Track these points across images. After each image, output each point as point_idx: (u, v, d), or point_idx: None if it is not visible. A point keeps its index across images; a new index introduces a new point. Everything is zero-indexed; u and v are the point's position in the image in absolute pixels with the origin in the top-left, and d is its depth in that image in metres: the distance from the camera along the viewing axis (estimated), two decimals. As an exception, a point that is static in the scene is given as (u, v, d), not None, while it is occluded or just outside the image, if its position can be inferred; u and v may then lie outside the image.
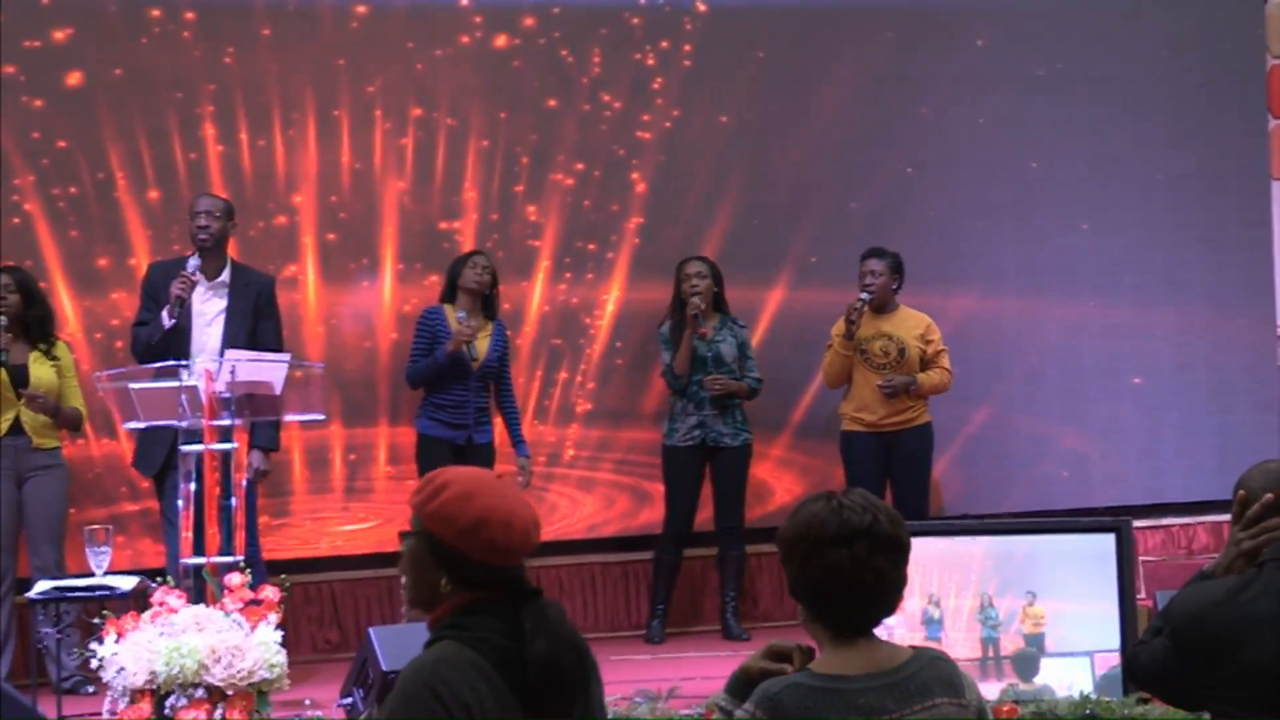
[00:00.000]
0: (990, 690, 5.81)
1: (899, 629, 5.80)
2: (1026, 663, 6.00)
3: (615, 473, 8.57)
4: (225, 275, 7.14)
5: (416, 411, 7.82)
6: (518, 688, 2.82)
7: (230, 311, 7.08)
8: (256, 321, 7.12)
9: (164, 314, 6.92)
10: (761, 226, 8.63)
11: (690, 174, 8.58)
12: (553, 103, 8.42)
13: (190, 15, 7.92)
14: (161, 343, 6.89)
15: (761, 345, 8.50)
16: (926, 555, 5.95)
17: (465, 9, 8.30)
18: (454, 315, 7.70)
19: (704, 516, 8.23)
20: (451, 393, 7.71)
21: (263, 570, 7.00)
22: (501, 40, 8.34)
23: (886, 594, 2.87)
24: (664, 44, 8.53)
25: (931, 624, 6.02)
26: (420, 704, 2.76)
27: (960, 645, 5.95)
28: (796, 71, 8.71)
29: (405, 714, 2.78)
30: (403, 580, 3.00)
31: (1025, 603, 6.03)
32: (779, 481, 8.70)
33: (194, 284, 6.92)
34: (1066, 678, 5.90)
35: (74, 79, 7.79)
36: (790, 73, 8.71)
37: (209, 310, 7.08)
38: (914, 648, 2.93)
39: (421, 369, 7.70)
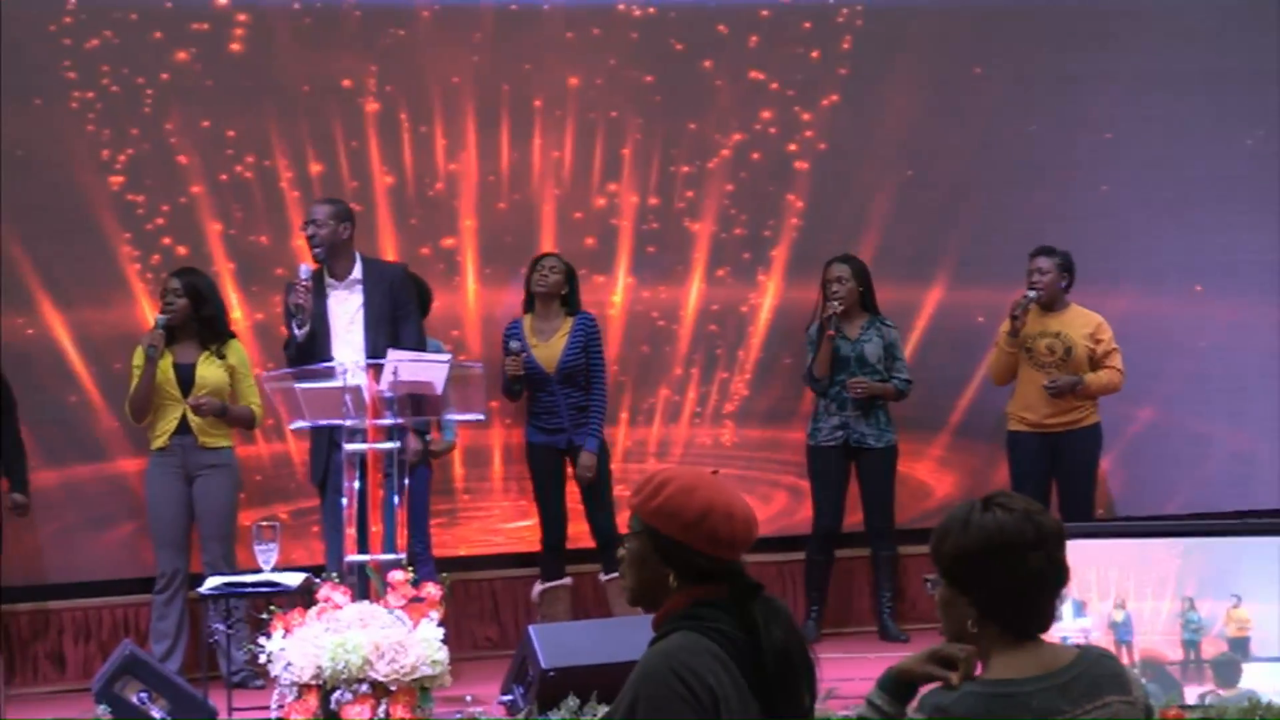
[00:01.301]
0: (1190, 694, 5.72)
1: (1094, 632, 5.72)
2: (1228, 668, 5.85)
3: (773, 472, 8.57)
4: (356, 272, 7.08)
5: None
6: (751, 681, 2.86)
7: (367, 307, 7.05)
8: (395, 312, 7.08)
9: (293, 325, 6.93)
10: (919, 225, 8.57)
11: (848, 173, 8.55)
12: (710, 103, 8.44)
13: (357, 14, 8.08)
14: (308, 345, 6.89)
15: (919, 344, 8.45)
16: (1116, 557, 5.85)
17: (637, 18, 8.37)
18: (529, 329, 7.78)
19: (857, 518, 8.21)
20: (541, 400, 7.79)
21: (432, 568, 7.10)
22: (659, 39, 8.38)
23: (1062, 591, 2.88)
24: (820, 47, 8.52)
25: (1118, 626, 5.92)
26: (666, 689, 2.79)
27: (1158, 648, 5.84)
28: (953, 70, 8.65)
29: (650, 700, 2.81)
30: (623, 581, 3.05)
31: (1230, 605, 5.88)
32: (938, 481, 8.65)
33: (307, 290, 6.86)
34: (1273, 683, 5.75)
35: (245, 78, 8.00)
36: (947, 71, 8.65)
37: (347, 309, 7.07)
38: (1078, 646, 2.92)
39: (502, 386, 7.76)
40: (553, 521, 7.85)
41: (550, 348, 7.76)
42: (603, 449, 7.85)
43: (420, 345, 7.03)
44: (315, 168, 8.04)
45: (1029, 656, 2.83)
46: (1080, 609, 5.80)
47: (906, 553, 8.24)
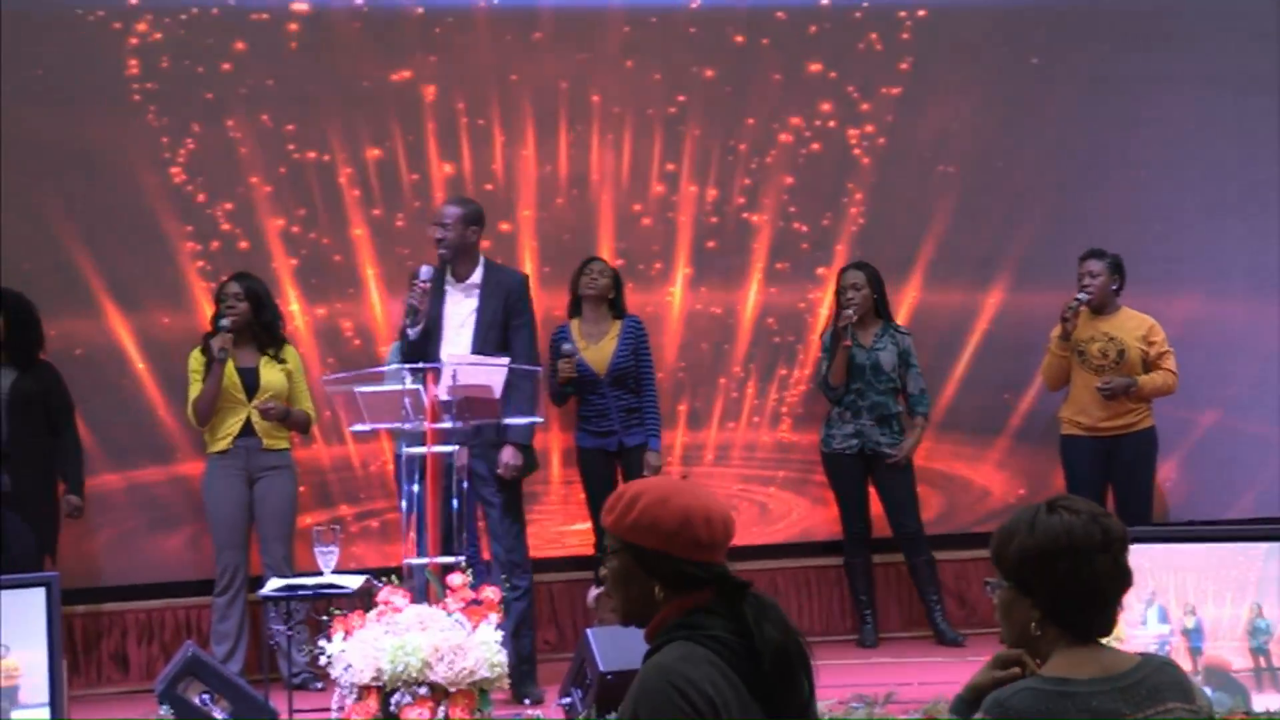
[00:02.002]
0: (1260, 703, 5.66)
1: (1173, 638, 5.67)
2: (1296, 675, 5.80)
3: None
4: (477, 276, 7.07)
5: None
6: (749, 681, 2.85)
7: (481, 312, 7.05)
8: (509, 320, 7.07)
9: (407, 325, 6.93)
10: (979, 229, 8.54)
11: (906, 178, 8.52)
12: (769, 107, 8.43)
13: (420, 11, 8.11)
14: (420, 344, 6.89)
15: (978, 348, 8.41)
16: (1187, 561, 5.79)
17: (695, 10, 8.36)
18: (578, 331, 7.78)
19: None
20: (591, 403, 7.79)
21: (528, 570, 7.12)
22: (722, 41, 8.38)
23: (1125, 594, 2.89)
24: (881, 48, 8.49)
25: (1190, 633, 5.86)
26: (666, 703, 2.78)
27: (1230, 655, 5.78)
28: (1013, 72, 8.60)
29: (651, 714, 2.79)
30: (611, 601, 3.03)
31: None
32: (996, 485, 8.60)
33: (425, 292, 6.86)
34: None
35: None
36: (1007, 74, 8.60)
37: (461, 312, 7.07)
38: (1140, 654, 2.92)
39: (550, 390, 7.76)
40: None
41: (600, 350, 7.77)
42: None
43: (531, 357, 7.03)
44: (374, 171, 8.08)
45: (1090, 658, 2.84)
46: (1164, 615, 5.74)
47: (965, 557, 8.21)
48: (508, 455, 6.99)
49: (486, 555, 7.22)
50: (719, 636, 2.86)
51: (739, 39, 8.40)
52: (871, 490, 8.16)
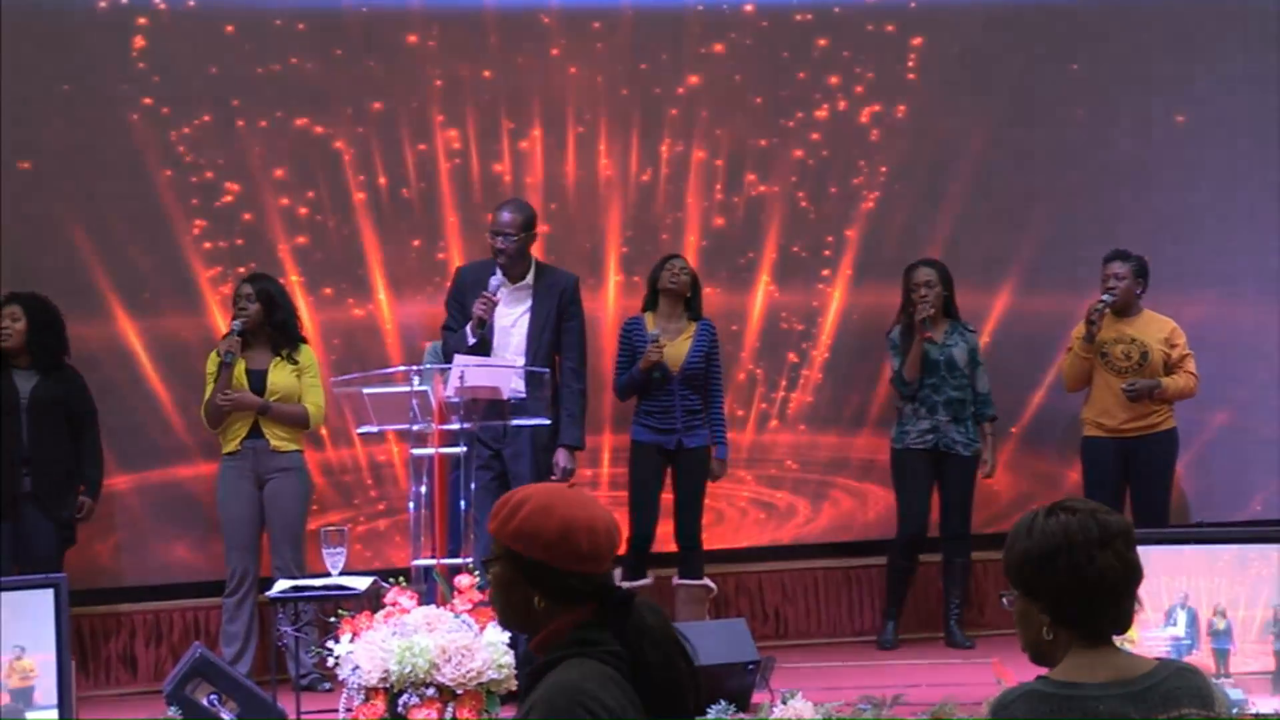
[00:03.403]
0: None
1: (1197, 640, 5.65)
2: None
3: (837, 477, 8.54)
4: (529, 278, 7.11)
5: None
6: (644, 696, 2.79)
7: (534, 314, 7.08)
8: (560, 322, 7.11)
9: (468, 330, 6.94)
10: (988, 229, 8.52)
11: (915, 176, 8.51)
12: (778, 107, 8.42)
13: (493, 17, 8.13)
14: (474, 347, 6.90)
15: (988, 349, 8.38)
16: (1213, 563, 5.76)
17: (700, 13, 8.35)
18: (652, 326, 7.77)
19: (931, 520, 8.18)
20: (657, 398, 7.77)
21: None
22: (727, 44, 8.37)
23: (1136, 590, 2.84)
24: (888, 48, 8.48)
25: (1218, 635, 5.83)
26: None
27: (1252, 658, 5.75)
28: (1023, 71, 8.58)
29: None
30: (493, 607, 2.98)
31: None
32: (1006, 486, 8.57)
33: (495, 304, 6.92)
34: None
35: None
36: (1017, 72, 8.57)
37: (513, 313, 7.09)
38: (1158, 658, 2.87)
39: (625, 383, 7.78)
40: (645, 521, 7.81)
41: (675, 348, 7.76)
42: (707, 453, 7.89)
43: (580, 359, 7.10)
44: (413, 171, 8.09)
45: (1102, 661, 2.80)
46: (1193, 619, 5.71)
47: (975, 558, 8.20)
48: (563, 459, 7.06)
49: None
50: (615, 651, 2.79)
51: (785, 53, 8.39)
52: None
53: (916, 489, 8.05)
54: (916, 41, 8.49)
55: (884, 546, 8.26)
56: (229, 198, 7.97)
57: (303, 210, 8.04)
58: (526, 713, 2.77)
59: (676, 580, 7.87)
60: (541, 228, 7.47)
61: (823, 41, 8.43)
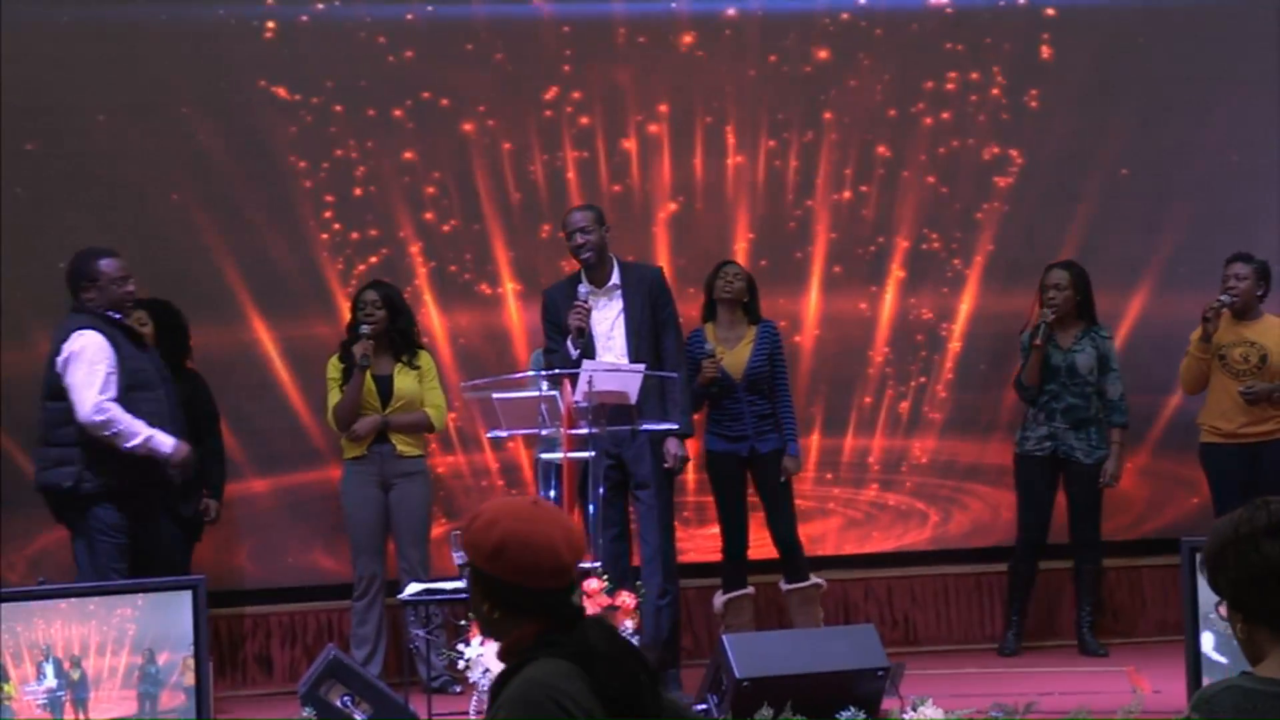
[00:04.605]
0: None
1: None
2: None
3: (968, 482, 8.46)
4: (615, 278, 7.13)
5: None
6: (608, 706, 2.82)
7: (628, 313, 7.09)
8: (655, 314, 7.11)
9: (569, 345, 6.95)
10: (1123, 230, 8.40)
11: (1047, 178, 8.40)
12: (902, 109, 8.37)
13: (566, 29, 8.17)
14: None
15: (1123, 351, 8.25)
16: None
17: (815, 14, 8.34)
18: (712, 336, 7.72)
19: (1060, 524, 8.07)
20: (725, 407, 7.73)
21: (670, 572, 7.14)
22: (853, 41, 8.34)
23: None
24: (1011, 47, 8.39)
25: None
26: (547, 716, 2.75)
27: None
28: (1152, 72, 8.45)
29: None
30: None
31: None
32: (1141, 492, 8.45)
33: (589, 312, 6.95)
34: None
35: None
36: (1145, 73, 8.44)
37: (608, 315, 7.10)
38: None
39: (691, 394, 7.69)
40: (735, 531, 7.80)
41: (736, 355, 7.73)
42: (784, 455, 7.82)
43: (680, 353, 7.11)
44: (515, 193, 8.14)
45: None
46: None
47: (1110, 565, 8.09)
48: (674, 447, 7.06)
49: (635, 561, 7.20)
50: (581, 650, 2.83)
51: (867, 54, 8.35)
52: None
53: (1036, 496, 7.96)
54: (1044, 49, 8.39)
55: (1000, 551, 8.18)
56: (359, 192, 8.04)
57: (429, 215, 8.10)
58: (496, 712, 2.82)
59: (784, 585, 7.83)
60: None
61: (950, 42, 8.37)
